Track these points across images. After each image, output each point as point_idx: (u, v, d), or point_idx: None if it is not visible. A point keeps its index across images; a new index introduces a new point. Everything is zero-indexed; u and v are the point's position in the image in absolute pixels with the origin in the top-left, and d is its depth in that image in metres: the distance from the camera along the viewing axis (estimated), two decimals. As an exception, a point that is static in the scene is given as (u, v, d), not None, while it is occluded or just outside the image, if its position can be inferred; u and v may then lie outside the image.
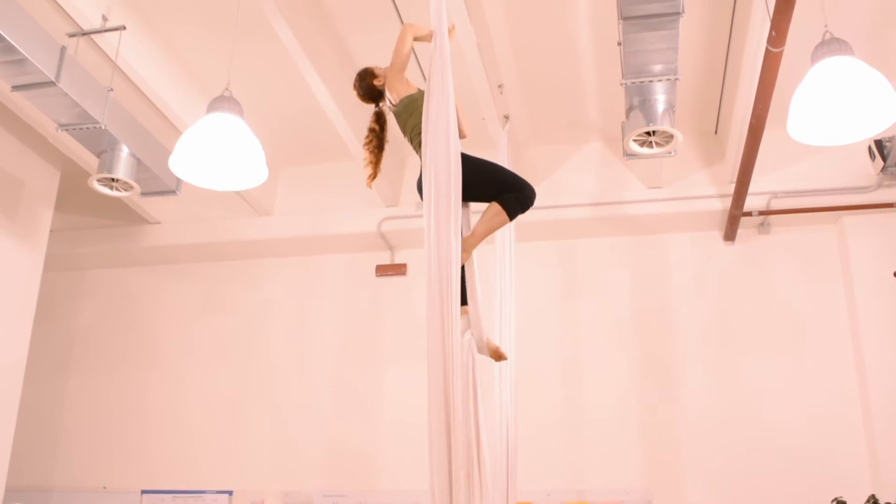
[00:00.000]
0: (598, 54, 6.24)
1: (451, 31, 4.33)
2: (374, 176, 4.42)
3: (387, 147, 4.48)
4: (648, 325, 7.11)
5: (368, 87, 4.51)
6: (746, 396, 6.74)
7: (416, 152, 4.20)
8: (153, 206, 7.77)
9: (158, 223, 7.92)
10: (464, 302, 3.86)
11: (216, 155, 4.85)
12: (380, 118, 4.50)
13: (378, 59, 5.30)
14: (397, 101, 4.32)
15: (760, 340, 6.86)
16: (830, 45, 4.47)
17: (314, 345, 7.64)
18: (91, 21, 5.45)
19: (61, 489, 7.66)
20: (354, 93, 4.60)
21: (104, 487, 7.59)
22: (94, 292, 8.35)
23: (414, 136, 4.22)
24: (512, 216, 4.16)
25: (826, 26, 4.60)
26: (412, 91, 4.30)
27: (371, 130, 4.45)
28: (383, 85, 4.45)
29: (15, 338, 6.66)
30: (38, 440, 7.82)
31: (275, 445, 7.41)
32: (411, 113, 4.20)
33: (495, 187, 4.15)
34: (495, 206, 4.14)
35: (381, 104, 4.53)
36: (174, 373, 7.87)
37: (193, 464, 7.52)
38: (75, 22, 5.45)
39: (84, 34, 5.51)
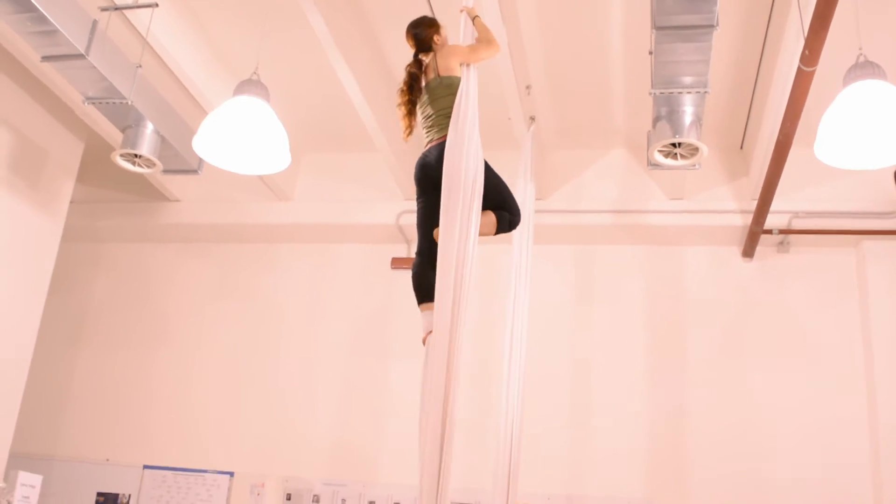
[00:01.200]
0: (628, 61, 6.22)
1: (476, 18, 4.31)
2: (410, 129, 4.30)
3: (409, 140, 4.43)
4: (661, 336, 7.08)
5: (425, 38, 4.38)
6: (755, 412, 6.70)
7: (428, 132, 4.20)
8: (174, 184, 7.80)
9: (178, 201, 7.95)
10: (431, 298, 3.72)
11: (240, 138, 4.87)
12: (420, 66, 4.36)
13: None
14: (443, 74, 4.19)
15: (772, 358, 6.82)
16: (864, 68, 4.45)
17: (325, 333, 7.65)
18: (124, -4, 5.48)
19: (65, 458, 7.70)
20: (408, 31, 4.44)
21: (107, 460, 7.63)
22: (110, 266, 8.39)
23: (438, 116, 4.15)
24: (498, 231, 4.29)
25: (860, 49, 4.57)
26: (460, 75, 4.15)
27: (410, 74, 4.33)
28: (438, 47, 4.33)
29: (29, 306, 6.69)
30: (45, 409, 7.86)
31: (278, 430, 7.42)
32: (449, 94, 4.06)
33: (499, 201, 4.24)
34: (490, 216, 4.18)
35: (423, 57, 4.40)
36: (183, 352, 7.89)
37: (196, 443, 7.55)
38: (109, -5, 5.48)
39: (116, 9, 5.53)
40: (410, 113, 4.28)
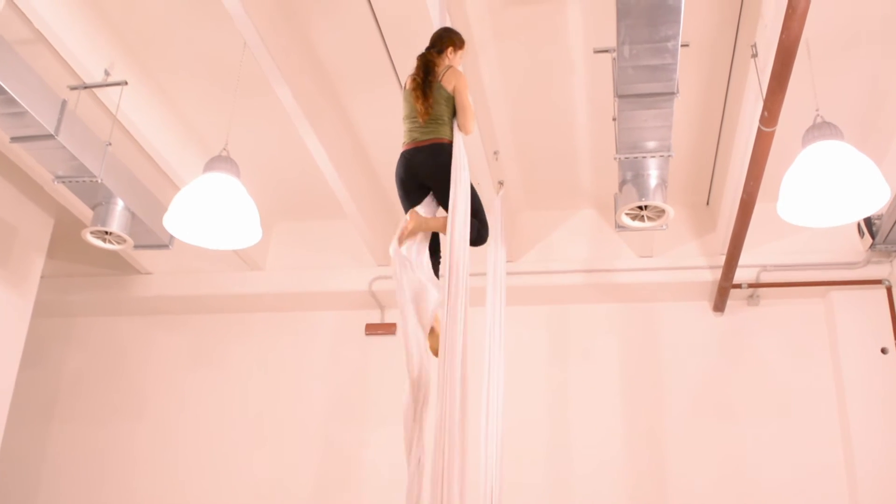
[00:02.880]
0: (593, 126, 6.32)
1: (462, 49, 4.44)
2: (427, 114, 4.22)
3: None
4: (637, 393, 7.10)
5: (447, 39, 4.41)
6: (733, 466, 6.71)
7: (411, 132, 4.25)
8: (144, 257, 7.76)
9: (150, 273, 7.92)
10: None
11: (211, 214, 4.89)
12: (427, 66, 4.34)
13: (376, 120, 5.35)
14: (444, 84, 4.24)
15: (748, 411, 6.86)
16: (821, 129, 4.57)
17: (302, 401, 7.59)
18: (93, 75, 5.52)
19: (39, 540, 7.55)
20: (438, 33, 4.49)
21: (82, 539, 7.48)
22: (83, 340, 8.30)
23: (428, 120, 4.22)
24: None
25: (817, 110, 4.70)
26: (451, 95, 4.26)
27: (425, 61, 4.33)
28: (450, 60, 4.38)
29: (-1, 383, 6.61)
30: (18, 489, 7.71)
31: (260, 501, 7.31)
32: (442, 104, 4.22)
33: (472, 215, 4.20)
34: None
35: (431, 56, 4.39)
36: (160, 425, 7.79)
37: (178, 518, 7.43)
38: (78, 75, 5.52)
39: (86, 87, 5.57)
40: (426, 97, 4.23)
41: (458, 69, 4.40)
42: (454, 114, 4.27)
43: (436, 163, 4.17)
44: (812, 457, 6.65)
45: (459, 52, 4.47)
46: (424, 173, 4.24)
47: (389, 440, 7.13)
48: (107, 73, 5.56)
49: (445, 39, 4.44)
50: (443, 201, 4.20)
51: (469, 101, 4.26)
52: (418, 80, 4.27)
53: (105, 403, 7.98)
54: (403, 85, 4.49)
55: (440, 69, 4.31)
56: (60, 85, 5.48)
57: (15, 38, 5.14)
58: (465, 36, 4.55)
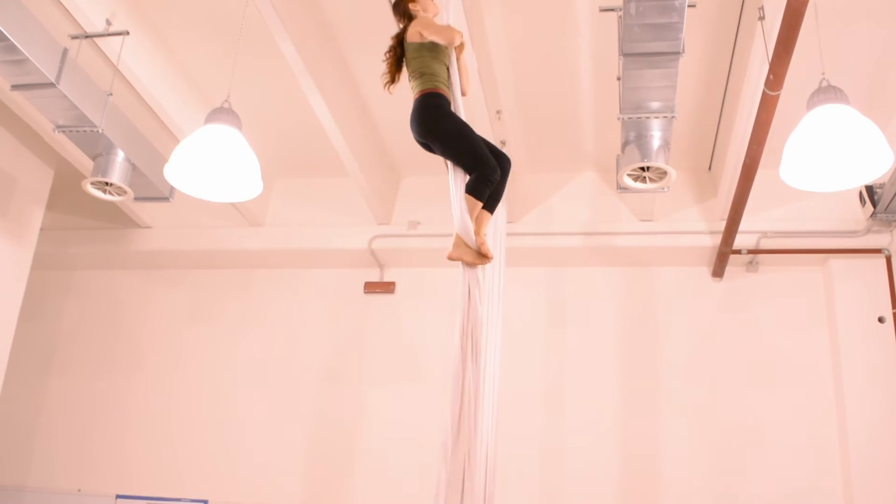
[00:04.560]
0: (597, 87, 6.29)
1: (461, 48, 4.36)
2: (391, 82, 4.35)
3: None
4: (633, 357, 7.13)
5: (402, 7, 4.41)
6: (727, 432, 6.76)
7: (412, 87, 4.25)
8: (145, 210, 7.76)
9: (149, 227, 7.92)
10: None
11: (212, 166, 4.87)
12: (400, 40, 4.37)
13: (377, 73, 5.28)
14: (408, 40, 4.24)
15: (743, 378, 6.89)
16: (826, 92, 4.54)
17: (299, 359, 7.63)
18: (95, 24, 5.47)
19: (35, 489, 7.61)
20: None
21: (79, 490, 7.54)
22: (81, 293, 8.33)
23: (411, 78, 4.24)
24: (488, 205, 4.08)
25: (823, 73, 4.66)
26: (423, 41, 4.20)
27: (392, 48, 4.38)
28: (416, 13, 4.36)
29: (-2, 334, 6.63)
30: (15, 439, 7.78)
31: (253, 458, 7.38)
32: (414, 58, 4.20)
33: (468, 164, 4.02)
34: (470, 200, 3.96)
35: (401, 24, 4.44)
36: (157, 379, 7.84)
37: (170, 471, 7.49)
38: (79, 24, 5.47)
39: (87, 37, 5.53)
40: (392, 72, 4.34)
41: (420, 15, 4.32)
42: (436, 54, 4.19)
43: (418, 121, 4.10)
44: (806, 424, 6.69)
45: (416, 10, 4.36)
46: (417, 135, 4.16)
47: (384, 400, 7.24)
48: (108, 23, 5.52)
49: (402, 4, 4.40)
50: (445, 156, 4.14)
51: (437, 27, 4.17)
52: (388, 61, 4.33)
53: (102, 356, 8.02)
54: None
55: (408, 32, 4.26)
56: (62, 33, 5.44)
57: (16, -15, 5.10)
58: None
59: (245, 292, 7.98)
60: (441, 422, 3.72)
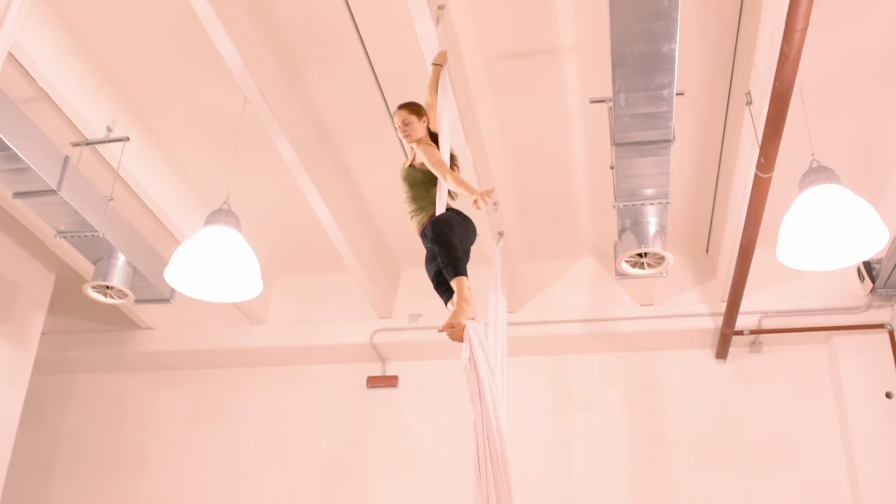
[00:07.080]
0: (591, 175, 6.36)
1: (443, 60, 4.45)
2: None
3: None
4: (641, 442, 7.04)
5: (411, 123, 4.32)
6: (739, 517, 6.64)
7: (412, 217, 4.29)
8: (146, 312, 7.76)
9: (151, 329, 7.91)
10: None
11: (212, 267, 4.90)
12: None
13: (373, 168, 5.33)
14: (417, 165, 4.23)
15: (753, 458, 6.79)
16: (818, 173, 4.60)
17: (304, 456, 7.53)
18: (96, 131, 5.58)
19: None
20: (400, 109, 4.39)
21: None
22: (84, 397, 8.26)
23: (412, 209, 4.26)
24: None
25: (813, 154, 4.73)
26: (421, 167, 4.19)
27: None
28: (418, 139, 4.29)
29: (-2, 440, 6.56)
30: (17, 548, 7.63)
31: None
32: (417, 185, 4.22)
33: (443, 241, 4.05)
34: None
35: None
36: (162, 481, 7.72)
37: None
38: (80, 131, 5.57)
39: (88, 144, 5.63)
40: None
41: (427, 145, 4.22)
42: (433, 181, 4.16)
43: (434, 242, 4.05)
44: (821, 503, 6.57)
45: (425, 120, 4.34)
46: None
47: (389, 495, 7.11)
48: (109, 130, 5.63)
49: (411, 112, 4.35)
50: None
51: (437, 160, 4.07)
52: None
53: (106, 461, 7.91)
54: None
55: (412, 152, 4.28)
56: (63, 141, 5.54)
57: (18, 96, 5.22)
58: (462, 88, 4.58)
59: (248, 390, 7.92)
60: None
